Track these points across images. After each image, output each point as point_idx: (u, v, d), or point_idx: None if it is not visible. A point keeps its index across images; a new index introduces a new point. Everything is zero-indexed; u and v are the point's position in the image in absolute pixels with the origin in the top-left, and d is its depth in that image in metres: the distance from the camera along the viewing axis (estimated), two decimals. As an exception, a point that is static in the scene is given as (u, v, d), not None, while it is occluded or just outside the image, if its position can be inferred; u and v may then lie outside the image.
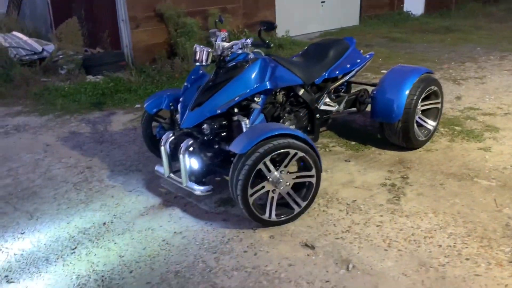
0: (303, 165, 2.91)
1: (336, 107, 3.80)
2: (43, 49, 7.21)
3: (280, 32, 8.70)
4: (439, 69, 6.55)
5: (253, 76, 3.12)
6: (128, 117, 5.01)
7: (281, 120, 3.46)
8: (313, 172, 2.87)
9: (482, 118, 4.61)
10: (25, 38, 7.76)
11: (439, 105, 4.01)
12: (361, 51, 4.03)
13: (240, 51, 3.11)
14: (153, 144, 3.66)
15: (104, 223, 2.96)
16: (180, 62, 6.71)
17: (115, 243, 2.75)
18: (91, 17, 7.98)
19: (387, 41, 8.72)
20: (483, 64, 6.80)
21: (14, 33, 8.21)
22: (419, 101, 3.73)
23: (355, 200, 3.15)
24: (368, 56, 4.02)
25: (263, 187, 2.78)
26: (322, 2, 9.67)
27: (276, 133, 2.75)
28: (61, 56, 6.87)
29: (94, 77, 6.52)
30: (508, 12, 11.32)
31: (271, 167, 2.75)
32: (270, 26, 3.00)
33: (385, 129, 3.85)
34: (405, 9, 11.35)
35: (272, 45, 3.10)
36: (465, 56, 7.32)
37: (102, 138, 4.43)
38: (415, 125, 3.80)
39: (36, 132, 4.63)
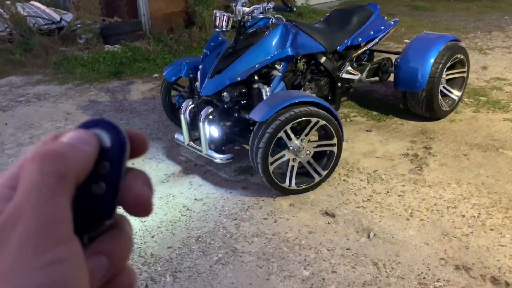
0: (325, 134, 2.87)
1: (358, 76, 3.71)
2: (61, 19, 7.19)
3: (299, 0, 8.50)
4: (465, 38, 6.32)
5: (274, 42, 3.05)
6: (147, 86, 5.00)
7: (302, 89, 3.40)
8: (334, 141, 2.83)
9: (509, 89, 4.46)
10: (43, 7, 7.74)
11: (465, 74, 3.89)
12: (385, 17, 3.90)
13: (261, 16, 3.03)
14: (173, 113, 3.65)
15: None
16: (197, 31, 6.63)
17: (137, 209, 2.77)
18: (108, -14, 7.90)
19: (410, 9, 8.44)
20: (511, 33, 6.54)
21: (32, 2, 8.20)
22: (445, 70, 3.61)
23: (377, 170, 3.11)
24: (392, 22, 3.89)
25: (284, 155, 2.76)
26: (343, -31, 9.35)
27: (297, 101, 2.71)
28: (79, 26, 6.85)
29: (112, 46, 6.49)
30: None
31: (292, 135, 2.72)
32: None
33: (409, 99, 3.76)
34: (429, -23, 10.91)
35: (295, 9, 3.02)
36: (492, 25, 7.05)
37: (121, 106, 4.45)
38: (439, 95, 3.70)
39: (56, 101, 4.66)
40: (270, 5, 3.00)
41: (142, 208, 0.34)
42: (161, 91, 3.68)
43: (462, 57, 3.77)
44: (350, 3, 8.89)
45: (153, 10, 6.92)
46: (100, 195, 0.33)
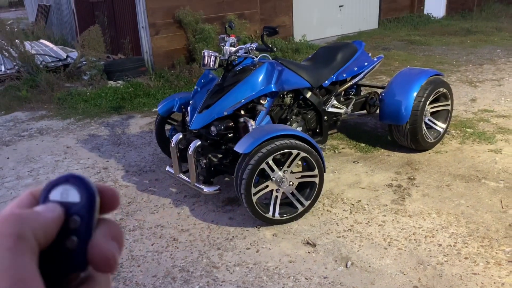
0: (306, 165, 2.98)
1: (344, 109, 3.85)
2: (67, 56, 7.52)
3: (297, 36, 8.79)
4: (456, 72, 6.50)
5: (259, 79, 3.22)
6: (146, 121, 5.18)
7: (289, 122, 3.55)
8: (316, 172, 2.95)
9: (495, 120, 4.57)
10: (51, 45, 8.11)
11: (449, 107, 4.02)
12: (370, 54, 4.08)
13: (244, 55, 3.22)
14: (166, 146, 3.80)
15: (117, 221, 3.10)
16: (198, 67, 6.88)
17: (126, 239, 2.88)
18: (113, 25, 8.27)
19: (405, 44, 8.68)
20: (502, 66, 6.70)
21: (42, 41, 8.59)
22: (427, 103, 3.75)
23: (360, 201, 3.20)
24: (376, 59, 4.06)
25: (267, 186, 2.87)
26: (341, 6, 9.69)
27: (279, 134, 2.84)
28: (84, 62, 7.14)
29: (115, 82, 6.75)
30: (533, 13, 11.08)
31: (274, 166, 2.84)
32: (273, 31, 3.10)
33: (394, 131, 3.88)
34: (425, 12, 11.25)
35: (275, 49, 3.20)
36: (484, 58, 7.23)
37: (119, 140, 4.62)
38: (425, 127, 3.82)
39: (57, 135, 4.85)
40: (253, 45, 3.19)
41: (106, 266, 0.34)
42: (155, 125, 3.85)
43: (445, 90, 3.91)
44: (347, 38, 9.18)
45: (155, 47, 7.21)
46: (73, 249, 0.34)
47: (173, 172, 3.30)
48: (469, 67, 6.76)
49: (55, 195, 0.37)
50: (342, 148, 4.14)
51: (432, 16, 11.16)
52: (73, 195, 0.35)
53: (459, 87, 5.75)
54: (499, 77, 6.11)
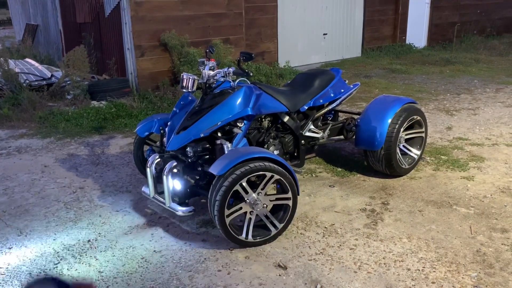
0: (280, 188, 3.02)
1: (321, 134, 3.93)
2: (52, 75, 7.53)
3: (281, 62, 8.96)
4: (434, 100, 6.67)
5: (236, 102, 3.28)
6: (126, 141, 5.19)
7: (266, 145, 3.60)
8: (289, 194, 2.98)
9: (469, 148, 4.68)
10: (36, 64, 8.11)
11: (423, 134, 4.12)
12: (346, 81, 4.18)
13: (222, 79, 3.28)
14: (144, 166, 3.80)
15: (89, 241, 3.08)
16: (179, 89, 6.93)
17: (97, 259, 2.86)
18: (100, 46, 8.34)
19: (386, 72, 8.90)
20: (478, 96, 6.91)
21: (27, 59, 8.60)
22: (401, 130, 3.84)
23: (333, 224, 3.23)
24: (352, 86, 4.17)
25: (241, 208, 2.89)
26: (325, 34, 9.93)
27: (253, 156, 2.88)
28: (68, 82, 7.16)
29: (98, 102, 6.77)
30: (510, 46, 11.46)
31: (249, 189, 2.87)
32: (249, 56, 3.18)
33: (369, 156, 3.96)
34: (407, 42, 11.57)
35: (251, 74, 3.28)
36: (461, 88, 7.44)
37: (98, 160, 4.61)
38: (399, 153, 3.91)
39: (36, 154, 4.82)
40: (231, 70, 3.26)
41: None
42: (133, 145, 3.86)
43: (419, 118, 4.01)
44: (330, 65, 9.38)
45: (140, 69, 7.27)
46: None
47: (148, 193, 3.31)
48: (447, 96, 6.95)
49: None
50: (319, 172, 4.19)
51: (414, 46, 11.48)
52: None
53: (436, 115, 5.90)
54: (475, 107, 6.29)
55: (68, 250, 2.97)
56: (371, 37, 10.95)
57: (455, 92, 7.16)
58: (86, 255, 2.91)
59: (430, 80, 8.10)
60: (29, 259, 2.88)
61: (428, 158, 4.42)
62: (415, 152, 4.10)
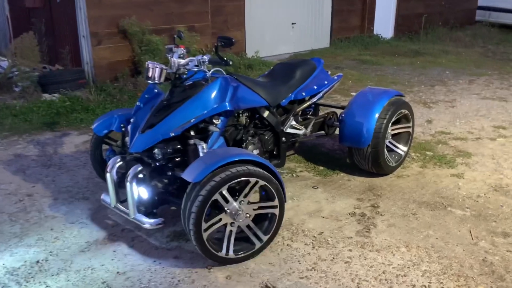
0: (265, 195, 2.63)
1: (303, 131, 3.57)
2: (-3, 65, 6.77)
3: (249, 52, 8.55)
4: (409, 92, 6.47)
5: (212, 96, 2.86)
6: (82, 139, 4.63)
7: (244, 144, 3.20)
8: (276, 202, 2.60)
9: (453, 143, 4.47)
10: (-22, 53, 7.31)
11: (410, 129, 3.85)
12: (329, 72, 3.84)
13: (195, 69, 2.84)
14: (103, 169, 3.29)
15: (38, 262, 2.58)
16: (143, 80, 6.40)
17: (47, 286, 2.37)
18: (52, 33, 7.60)
19: (357, 63, 8.67)
20: (453, 87, 6.78)
21: (-32, 48, 7.75)
22: (390, 125, 3.54)
23: (323, 232, 2.88)
24: (336, 77, 3.84)
25: (220, 219, 2.48)
26: (293, 23, 9.59)
27: (235, 159, 2.47)
28: (15, 73, 6.45)
29: (51, 95, 6.11)
30: (474, 37, 11.55)
31: (229, 197, 2.46)
32: (229, 41, 2.75)
33: (355, 154, 3.64)
34: (375, 32, 11.42)
35: (231, 63, 2.85)
36: (434, 79, 7.30)
37: (50, 161, 4.05)
38: (386, 150, 3.61)
39: (-24, 155, 4.20)
40: (206, 57, 2.81)
41: None
42: (90, 145, 3.36)
43: (406, 112, 3.73)
44: (299, 56, 9.05)
45: (97, 58, 6.66)
46: None
47: (109, 201, 2.83)
48: (421, 88, 6.78)
49: None
50: (300, 171, 3.84)
51: (381, 36, 11.35)
52: None
53: (414, 108, 5.62)
54: (451, 99, 6.13)
55: (12, 275, 2.46)
56: (339, 28, 10.70)
57: (429, 84, 7.00)
58: (34, 280, 2.41)
59: (402, 72, 7.92)
60: (-38, 288, 2.36)
61: (413, 154, 4.16)
62: (402, 148, 3.81)
